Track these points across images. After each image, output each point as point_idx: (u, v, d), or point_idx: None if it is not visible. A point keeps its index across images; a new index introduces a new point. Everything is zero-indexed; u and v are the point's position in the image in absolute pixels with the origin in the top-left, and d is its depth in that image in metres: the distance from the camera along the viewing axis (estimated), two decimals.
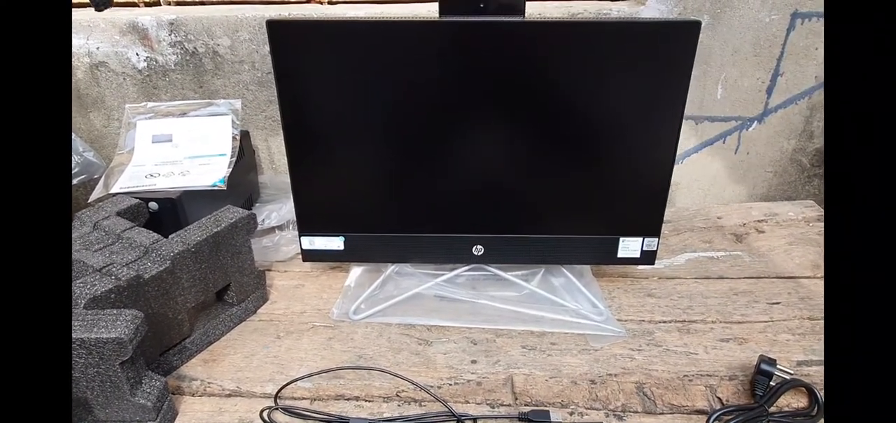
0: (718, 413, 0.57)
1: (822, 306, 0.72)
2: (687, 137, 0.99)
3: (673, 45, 0.61)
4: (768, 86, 0.94)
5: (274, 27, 0.61)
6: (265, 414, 0.57)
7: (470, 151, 0.68)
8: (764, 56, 0.91)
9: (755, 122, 0.98)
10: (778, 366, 0.59)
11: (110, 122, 0.97)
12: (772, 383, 0.59)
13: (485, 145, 0.68)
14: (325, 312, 0.73)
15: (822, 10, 0.88)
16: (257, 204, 0.94)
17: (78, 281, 0.54)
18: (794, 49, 0.91)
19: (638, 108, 0.65)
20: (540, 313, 0.72)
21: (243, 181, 0.89)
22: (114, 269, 0.57)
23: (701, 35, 0.60)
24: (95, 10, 0.73)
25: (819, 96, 0.95)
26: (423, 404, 0.59)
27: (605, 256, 0.74)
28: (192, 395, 0.60)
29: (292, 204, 0.73)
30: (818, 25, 0.89)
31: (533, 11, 0.84)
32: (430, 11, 0.91)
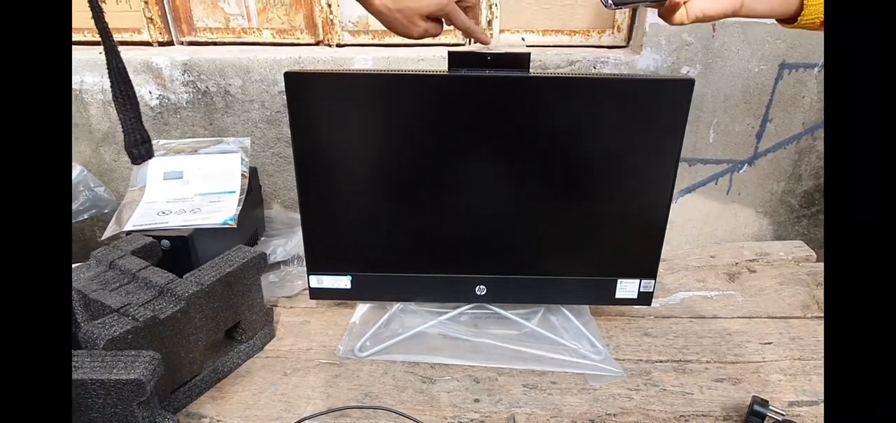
0: None
1: (812, 348, 0.75)
2: (681, 178, 1.02)
3: (668, 100, 0.64)
4: (758, 131, 0.98)
5: (291, 79, 0.64)
6: None
7: (474, 195, 0.71)
8: (753, 103, 0.95)
9: (746, 164, 1.02)
10: (770, 407, 0.61)
11: (120, 156, 0.99)
12: None
13: (489, 191, 0.70)
14: (331, 349, 0.75)
15: (808, 60, 0.92)
16: (263, 238, 0.96)
17: (96, 322, 0.56)
18: (781, 97, 0.95)
19: (635, 158, 0.68)
20: (540, 352, 0.74)
21: (250, 217, 0.91)
22: (131, 309, 0.58)
23: None
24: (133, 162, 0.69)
25: (806, 141, 0.99)
26: None
27: (603, 296, 0.77)
28: None
29: (298, 239, 0.75)
30: (805, 75, 0.93)
31: (531, 54, 0.88)
32: (435, 56, 0.94)
